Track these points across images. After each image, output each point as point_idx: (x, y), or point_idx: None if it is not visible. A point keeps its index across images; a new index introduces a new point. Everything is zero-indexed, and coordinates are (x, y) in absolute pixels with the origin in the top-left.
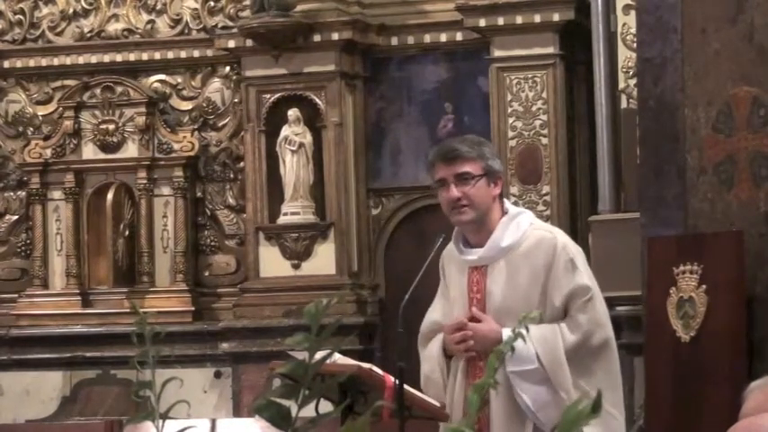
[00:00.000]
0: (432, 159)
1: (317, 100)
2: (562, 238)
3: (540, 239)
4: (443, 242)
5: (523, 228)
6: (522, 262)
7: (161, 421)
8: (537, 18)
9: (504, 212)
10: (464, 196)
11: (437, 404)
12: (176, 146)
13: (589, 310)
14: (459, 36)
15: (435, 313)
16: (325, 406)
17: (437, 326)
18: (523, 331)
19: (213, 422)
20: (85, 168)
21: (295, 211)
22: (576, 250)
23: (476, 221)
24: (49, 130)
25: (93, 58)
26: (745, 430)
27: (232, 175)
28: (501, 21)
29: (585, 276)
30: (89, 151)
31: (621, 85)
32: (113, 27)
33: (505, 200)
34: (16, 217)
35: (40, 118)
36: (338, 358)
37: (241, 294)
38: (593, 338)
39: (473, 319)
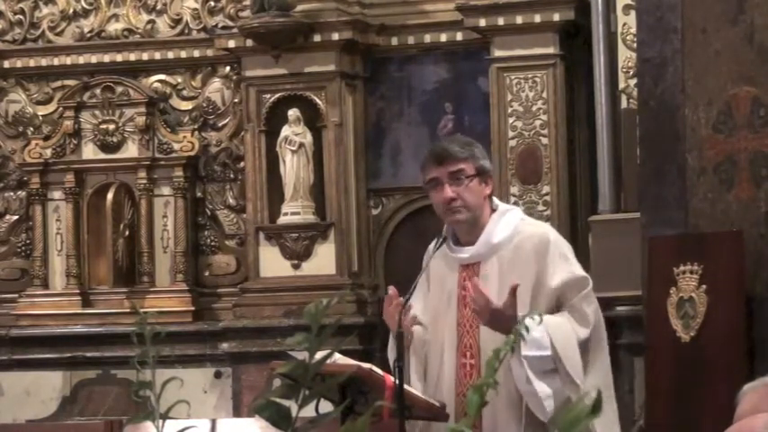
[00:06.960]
0: (423, 161)
1: (317, 100)
2: (553, 233)
3: (531, 234)
4: (442, 243)
5: (514, 223)
6: (514, 257)
7: (161, 421)
8: (537, 18)
9: (492, 210)
10: (458, 196)
11: (437, 404)
12: (176, 146)
13: (592, 302)
14: (459, 36)
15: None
16: (326, 406)
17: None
18: (523, 331)
19: (213, 422)
20: (85, 168)
21: (295, 211)
22: (567, 246)
23: (469, 221)
24: (49, 130)
25: (94, 58)
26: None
27: (232, 175)
28: (501, 21)
29: (581, 269)
30: (89, 151)
31: (621, 85)
32: (113, 27)
33: (494, 197)
34: (16, 217)
35: (40, 118)
36: (338, 358)
37: (241, 294)
38: (600, 332)
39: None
